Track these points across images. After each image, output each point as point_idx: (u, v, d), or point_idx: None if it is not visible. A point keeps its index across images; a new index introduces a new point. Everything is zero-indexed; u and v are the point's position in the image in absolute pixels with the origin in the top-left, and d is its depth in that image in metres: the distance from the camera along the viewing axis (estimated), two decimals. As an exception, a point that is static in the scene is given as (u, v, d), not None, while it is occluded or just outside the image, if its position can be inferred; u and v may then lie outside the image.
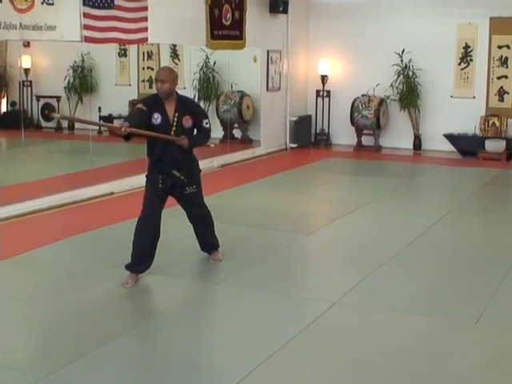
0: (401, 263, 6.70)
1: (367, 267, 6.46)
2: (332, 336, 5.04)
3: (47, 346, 4.94)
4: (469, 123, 12.96)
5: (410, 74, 13.23)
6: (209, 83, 13.58)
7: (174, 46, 13.61)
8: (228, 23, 11.67)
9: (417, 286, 6.12)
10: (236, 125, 13.76)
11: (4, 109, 14.69)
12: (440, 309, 5.58)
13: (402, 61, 13.21)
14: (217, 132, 13.80)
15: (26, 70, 13.62)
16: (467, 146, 12.94)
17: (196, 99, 13.43)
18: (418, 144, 13.60)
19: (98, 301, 5.70)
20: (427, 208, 9.23)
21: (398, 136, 13.79)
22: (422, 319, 5.35)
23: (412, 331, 5.15)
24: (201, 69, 13.48)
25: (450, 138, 13.10)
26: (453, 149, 13.14)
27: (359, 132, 13.76)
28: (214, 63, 13.51)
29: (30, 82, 14.14)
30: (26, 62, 12.46)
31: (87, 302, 5.69)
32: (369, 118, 13.40)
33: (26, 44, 11.55)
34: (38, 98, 14.40)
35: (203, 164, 11.50)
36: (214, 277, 6.19)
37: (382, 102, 13.43)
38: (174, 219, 8.23)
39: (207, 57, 13.30)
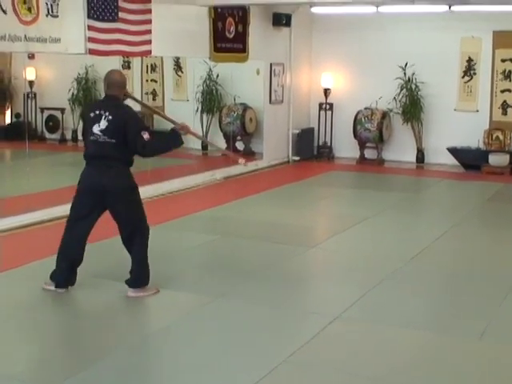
0: (403, 278, 6.68)
1: (369, 281, 6.44)
2: (334, 350, 5.02)
3: (49, 358, 4.93)
4: (472, 137, 12.95)
5: (413, 87, 13.24)
6: (212, 96, 13.61)
7: (178, 58, 13.66)
8: (231, 36, 11.71)
9: (419, 301, 6.10)
10: (239, 137, 13.77)
11: (8, 120, 14.73)
12: (442, 324, 5.56)
13: (405, 74, 13.22)
14: (219, 144, 13.83)
15: (31, 82, 13.67)
16: (471, 160, 12.93)
17: (199, 111, 13.48)
18: (421, 157, 13.59)
19: (99, 313, 5.70)
20: (430, 222, 9.22)
21: (400, 149, 13.78)
22: (424, 335, 5.33)
23: (414, 347, 5.13)
24: (204, 81, 13.51)
25: (454, 151, 13.10)
26: (456, 162, 13.13)
27: (362, 145, 13.76)
28: (217, 76, 13.54)
29: (35, 93, 14.20)
30: (30, 74, 12.52)
31: (89, 314, 5.70)
32: (372, 131, 13.41)
33: (31, 56, 11.61)
34: (42, 109, 14.46)
35: (205, 176, 11.61)
36: (216, 290, 6.18)
37: (384, 115, 13.44)
38: (176, 232, 8.24)
39: (210, 69, 13.33)
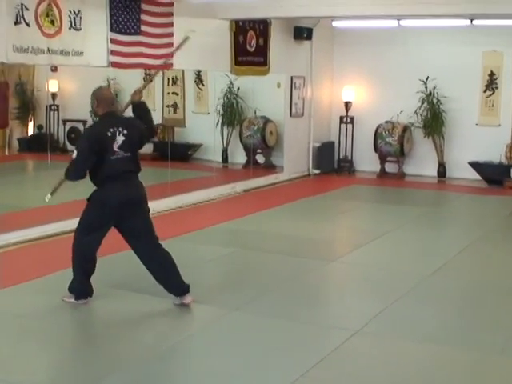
0: (423, 293, 6.63)
1: (389, 296, 6.40)
2: (353, 365, 4.98)
3: (67, 368, 4.94)
4: (494, 151, 12.85)
5: (435, 101, 13.18)
6: (232, 109, 13.65)
7: (199, 71, 13.73)
8: (252, 49, 11.75)
9: (439, 316, 6.04)
10: (259, 150, 13.79)
11: (31, 132, 14.85)
12: (463, 339, 5.49)
13: (426, 88, 13.18)
14: (240, 157, 13.88)
15: (53, 95, 13.79)
16: (492, 175, 12.83)
17: (219, 124, 13.51)
18: (442, 172, 13.52)
19: (117, 325, 5.70)
20: (451, 237, 9.14)
21: (422, 163, 13.72)
22: (444, 349, 5.26)
23: (434, 362, 5.07)
24: (225, 94, 13.56)
25: (475, 165, 13.01)
26: (478, 177, 13.04)
27: (383, 159, 13.71)
28: (238, 89, 13.58)
29: (57, 106, 14.31)
30: (53, 86, 12.63)
31: (107, 326, 5.70)
32: (392, 144, 13.36)
33: (54, 69, 11.70)
34: (65, 121, 14.57)
35: (225, 189, 11.62)
36: (234, 302, 6.16)
37: (406, 128, 13.39)
38: (195, 244, 8.25)
39: (231, 82, 13.38)
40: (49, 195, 6.14)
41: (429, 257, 7.94)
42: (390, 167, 13.76)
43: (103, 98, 6.00)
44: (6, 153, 15.01)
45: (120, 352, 5.13)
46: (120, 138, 5.83)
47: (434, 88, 13.15)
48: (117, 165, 5.84)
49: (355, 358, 5.11)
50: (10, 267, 7.24)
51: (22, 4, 7.74)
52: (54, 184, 6.21)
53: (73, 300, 6.00)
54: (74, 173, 5.93)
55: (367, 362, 5.03)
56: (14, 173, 13.77)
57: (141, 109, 6.24)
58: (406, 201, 11.71)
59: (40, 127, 14.82)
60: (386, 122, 13.47)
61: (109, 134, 5.83)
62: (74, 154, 5.82)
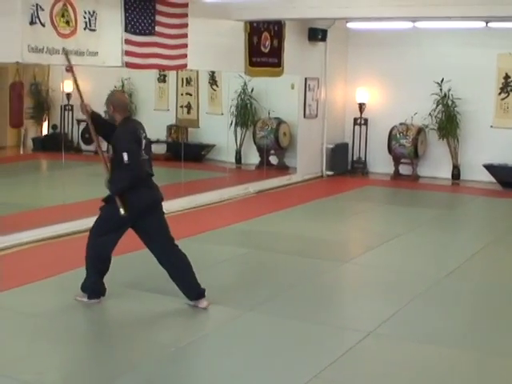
0: (436, 295, 6.60)
1: (403, 298, 6.37)
2: (366, 367, 4.97)
3: (80, 367, 4.96)
4: (509, 154, 12.78)
5: (450, 103, 13.13)
6: (246, 109, 13.66)
7: (213, 72, 13.75)
8: (267, 50, 11.75)
9: (452, 319, 6.01)
10: (272, 151, 13.79)
11: (45, 132, 14.94)
12: (476, 343, 5.46)
13: (441, 90, 13.13)
14: (253, 158, 13.89)
15: (68, 95, 13.84)
16: (507, 177, 12.75)
17: (233, 125, 13.52)
18: (456, 174, 13.46)
19: (130, 324, 5.71)
20: (465, 240, 9.10)
21: (436, 165, 13.67)
22: (458, 352, 5.24)
23: (447, 365, 5.05)
24: (239, 95, 13.58)
25: (490, 168, 12.94)
26: (493, 179, 12.97)
27: (397, 161, 13.67)
28: (252, 90, 13.60)
29: (71, 106, 14.37)
30: (67, 86, 12.66)
31: (120, 325, 5.72)
32: (407, 146, 13.31)
33: (68, 69, 11.74)
34: (79, 121, 14.63)
35: (238, 190, 11.63)
36: (248, 303, 6.16)
37: (420, 130, 13.34)
38: (208, 245, 8.26)
39: (245, 83, 13.40)
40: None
41: (442, 259, 7.91)
42: (404, 169, 13.71)
43: (120, 103, 6.01)
44: (21, 152, 15.12)
45: (133, 352, 5.14)
46: (143, 141, 5.89)
47: (449, 90, 13.09)
48: (145, 165, 5.88)
49: (368, 359, 5.10)
50: (23, 266, 7.27)
51: (37, 4, 7.78)
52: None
53: (85, 299, 6.02)
54: (135, 171, 5.77)
55: (380, 363, 5.01)
56: (28, 172, 13.86)
57: (99, 118, 6.17)
58: (420, 203, 11.67)
59: (54, 127, 14.90)
60: (401, 123, 13.43)
61: (143, 135, 5.89)
62: (125, 158, 5.67)
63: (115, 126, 5.96)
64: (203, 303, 5.97)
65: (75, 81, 6.56)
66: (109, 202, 5.94)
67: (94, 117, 6.14)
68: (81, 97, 6.27)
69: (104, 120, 6.19)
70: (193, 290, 5.99)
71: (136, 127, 5.95)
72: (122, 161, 5.67)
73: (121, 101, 6.06)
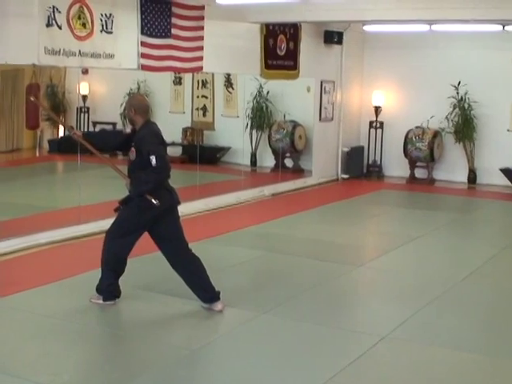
0: (452, 300, 6.55)
1: (417, 302, 6.34)
2: (380, 371, 4.93)
3: (94, 369, 4.97)
4: (526, 158, 12.72)
5: (466, 106, 13.06)
6: (262, 112, 13.64)
7: (229, 75, 13.74)
8: (282, 53, 11.75)
9: (468, 323, 5.97)
10: (288, 154, 13.76)
11: (61, 134, 14.99)
12: (491, 347, 5.42)
13: (457, 93, 13.06)
14: (268, 161, 13.88)
15: (84, 97, 13.90)
16: (524, 181, 12.68)
17: (248, 128, 13.51)
18: (472, 178, 13.38)
19: (145, 326, 5.72)
20: (480, 244, 9.03)
21: (452, 169, 13.60)
22: (473, 357, 5.20)
23: (462, 369, 5.01)
24: (254, 98, 13.56)
25: (506, 172, 12.85)
26: (509, 183, 12.88)
27: (412, 164, 13.61)
28: (268, 93, 13.58)
29: (88, 108, 14.42)
30: (83, 88, 12.74)
31: (135, 327, 5.72)
32: (422, 150, 13.25)
33: (85, 71, 11.80)
34: (95, 123, 14.67)
35: (253, 192, 11.62)
36: (262, 306, 6.14)
37: (436, 134, 13.28)
38: (223, 247, 8.25)
39: (261, 86, 13.38)
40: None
41: (457, 263, 7.86)
42: (420, 173, 13.65)
43: (141, 106, 5.99)
44: (37, 154, 15.19)
45: (147, 354, 5.13)
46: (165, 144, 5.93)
47: (466, 93, 13.03)
48: (169, 170, 5.88)
49: (382, 363, 5.07)
50: (40, 267, 7.31)
51: (53, 6, 7.82)
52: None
53: (101, 301, 6.03)
54: (162, 174, 5.77)
55: (394, 367, 4.98)
56: (44, 174, 13.93)
57: (91, 137, 6.29)
58: (436, 207, 11.61)
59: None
60: (417, 127, 13.37)
61: (163, 138, 5.92)
62: (154, 161, 5.63)
63: (124, 134, 5.99)
64: (218, 306, 5.96)
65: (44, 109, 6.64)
66: (126, 204, 5.95)
67: (88, 137, 6.17)
68: (70, 127, 6.32)
69: (104, 134, 6.21)
70: (207, 293, 5.98)
71: (159, 130, 5.96)
72: (150, 164, 5.63)
73: (142, 104, 6.04)
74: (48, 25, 7.80)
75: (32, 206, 9.93)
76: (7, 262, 7.38)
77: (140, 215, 5.88)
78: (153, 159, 5.64)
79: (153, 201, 5.71)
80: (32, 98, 7.09)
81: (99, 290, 6.05)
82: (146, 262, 7.15)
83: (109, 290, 6.04)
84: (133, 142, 5.89)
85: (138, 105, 5.99)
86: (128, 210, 5.91)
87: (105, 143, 6.35)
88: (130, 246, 5.99)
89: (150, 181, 5.73)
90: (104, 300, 6.03)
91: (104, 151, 6.39)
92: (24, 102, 9.37)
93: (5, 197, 9.18)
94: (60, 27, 7.93)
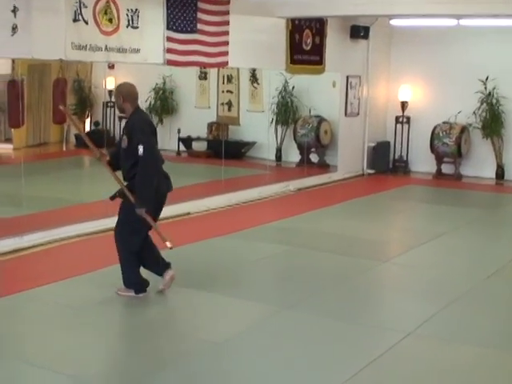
0: (478, 297, 6.49)
1: (443, 299, 6.29)
2: (405, 367, 4.90)
3: (120, 361, 5.00)
4: (554, 153, 12.55)
5: (494, 101, 12.91)
6: (287, 107, 13.63)
7: (254, 69, 13.74)
8: (308, 48, 11.70)
9: (494, 320, 5.91)
10: (313, 149, 13.73)
11: (88, 128, 15.09)
12: (519, 345, 5.37)
13: (485, 88, 12.92)
14: (293, 156, 13.85)
15: (110, 92, 13.97)
16: (552, 177, 12.51)
17: (274, 123, 13.50)
18: (500, 173, 13.22)
19: (167, 319, 5.74)
20: (508, 241, 8.93)
21: (479, 165, 13.45)
22: (499, 354, 5.15)
23: (488, 366, 4.96)
24: (279, 93, 13.54)
25: (535, 168, 12.70)
26: (537, 179, 12.74)
27: (439, 160, 13.49)
28: (293, 87, 13.55)
29: (114, 102, 14.46)
30: (110, 83, 12.78)
31: (158, 321, 5.74)
32: (450, 145, 13.13)
33: (111, 66, 11.85)
34: (121, 118, 14.74)
35: (278, 187, 11.61)
36: (286, 301, 6.14)
37: (463, 129, 13.15)
38: (247, 242, 8.25)
39: (286, 81, 13.36)
40: (168, 243, 6.00)
41: (484, 260, 7.78)
42: (447, 168, 13.53)
43: (130, 94, 6.02)
44: (64, 148, 15.32)
45: (172, 347, 5.16)
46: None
47: (494, 88, 12.87)
48: (159, 159, 5.93)
49: (407, 360, 5.04)
50: (66, 260, 7.37)
51: (80, 1, 7.87)
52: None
53: (132, 294, 6.06)
54: (152, 169, 5.79)
55: (419, 364, 4.95)
56: (70, 168, 14.04)
57: (113, 156, 6.22)
58: (463, 203, 11.50)
59: (97, 123, 15.05)
60: (444, 122, 13.25)
61: (154, 127, 5.98)
62: (141, 151, 5.69)
63: None
64: (169, 273, 6.09)
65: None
66: (125, 198, 5.97)
67: (112, 161, 6.15)
68: (95, 147, 6.32)
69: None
70: (163, 264, 6.11)
71: (150, 118, 5.99)
72: (137, 152, 5.70)
73: (131, 91, 6.05)
74: (75, 20, 7.85)
75: (59, 200, 10.02)
76: (35, 254, 7.45)
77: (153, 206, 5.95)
78: (140, 149, 5.71)
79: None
80: (61, 107, 7.15)
81: (128, 284, 6.07)
82: (170, 256, 7.17)
83: (139, 282, 6.08)
84: (124, 130, 5.97)
85: (126, 92, 6.02)
86: (131, 211, 5.91)
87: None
88: (141, 241, 6.06)
89: (145, 185, 5.75)
90: (136, 293, 6.07)
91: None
92: (51, 96, 9.44)
93: (32, 190, 9.25)
94: (86, 22, 7.98)
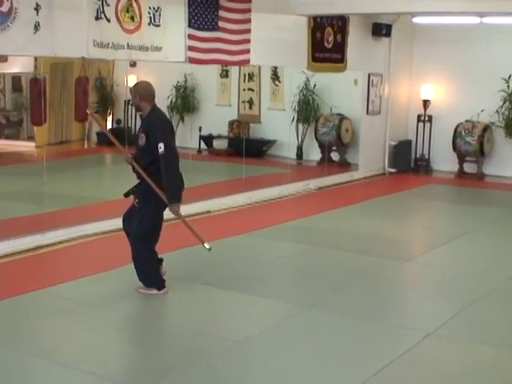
0: (500, 297, 6.43)
1: (465, 299, 6.23)
2: (425, 367, 4.87)
3: (138, 359, 5.01)
4: None
5: (517, 100, 12.80)
6: (308, 105, 13.59)
7: (275, 68, 13.72)
8: (330, 46, 11.66)
9: (517, 321, 5.86)
10: (334, 147, 13.69)
11: (110, 126, 15.18)
12: (543, 346, 5.31)
13: (508, 87, 12.80)
14: (314, 154, 13.82)
15: (131, 89, 14.04)
16: None
17: (295, 121, 13.47)
18: (524, 173, 13.11)
19: (185, 317, 5.75)
20: (531, 240, 8.84)
21: (502, 164, 13.33)
22: (522, 356, 5.11)
23: (509, 367, 4.91)
24: (301, 91, 13.52)
25: (559, 167, 12.56)
26: (561, 179, 12.60)
27: (461, 159, 13.39)
28: (314, 85, 13.52)
29: (135, 100, 14.55)
30: (131, 81, 12.82)
31: (178, 319, 5.75)
32: (472, 144, 13.03)
33: (133, 64, 11.91)
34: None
35: (299, 186, 11.58)
36: (306, 300, 6.12)
37: (486, 128, 13.03)
38: (267, 240, 8.24)
39: (308, 79, 13.33)
40: (206, 244, 6.07)
41: (506, 261, 7.70)
42: (469, 167, 13.42)
43: (147, 92, 6.01)
44: (85, 146, 15.41)
45: (191, 345, 5.16)
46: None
47: (517, 87, 12.76)
48: (178, 157, 5.91)
49: (428, 360, 5.00)
50: (87, 258, 7.41)
51: (102, -1, 7.90)
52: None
53: (155, 291, 6.07)
54: (175, 165, 5.83)
55: (440, 364, 4.91)
56: (92, 165, 14.13)
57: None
58: (485, 202, 11.40)
59: (118, 121, 15.12)
60: (466, 120, 13.15)
61: (172, 125, 6.01)
62: (162, 149, 5.71)
63: None
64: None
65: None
66: (142, 199, 5.97)
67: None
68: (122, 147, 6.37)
69: None
70: None
71: (167, 116, 6.00)
72: (157, 150, 5.71)
73: (147, 90, 6.05)
74: (97, 18, 7.88)
75: (81, 197, 10.08)
76: (55, 251, 7.50)
77: (158, 215, 6.00)
78: (161, 146, 5.71)
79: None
80: (88, 112, 7.21)
81: (149, 283, 6.08)
82: (187, 254, 7.18)
83: (160, 280, 6.10)
84: (141, 127, 5.96)
85: (142, 90, 6.02)
86: (147, 214, 5.94)
87: None
88: (156, 241, 6.08)
89: (171, 178, 5.77)
90: (158, 290, 6.08)
91: None
92: (73, 94, 9.50)
93: (54, 188, 9.31)
94: (109, 20, 8.00)
